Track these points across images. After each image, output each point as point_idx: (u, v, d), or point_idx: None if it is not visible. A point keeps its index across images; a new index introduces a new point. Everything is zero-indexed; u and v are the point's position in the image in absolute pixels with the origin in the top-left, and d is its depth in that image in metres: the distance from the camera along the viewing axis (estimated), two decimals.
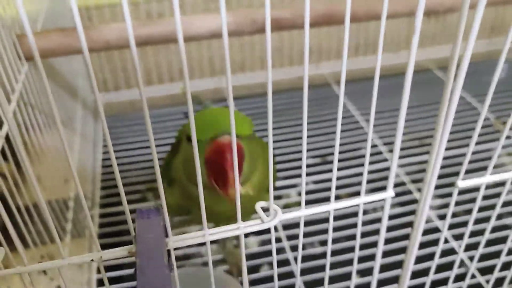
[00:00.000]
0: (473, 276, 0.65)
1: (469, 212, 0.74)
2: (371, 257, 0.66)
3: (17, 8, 0.24)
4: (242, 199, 0.46)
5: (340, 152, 0.88)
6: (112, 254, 0.32)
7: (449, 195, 0.78)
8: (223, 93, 1.07)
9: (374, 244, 0.68)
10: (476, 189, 0.76)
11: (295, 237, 0.72)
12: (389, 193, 0.36)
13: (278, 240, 0.72)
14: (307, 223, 0.73)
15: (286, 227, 0.74)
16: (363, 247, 0.68)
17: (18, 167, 0.56)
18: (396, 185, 0.81)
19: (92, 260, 0.32)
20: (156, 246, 0.32)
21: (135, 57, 0.24)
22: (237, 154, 0.30)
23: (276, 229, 0.73)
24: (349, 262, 0.67)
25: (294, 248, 0.70)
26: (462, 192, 0.77)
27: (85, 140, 0.88)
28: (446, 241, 0.70)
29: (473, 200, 0.74)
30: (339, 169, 0.84)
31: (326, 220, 0.73)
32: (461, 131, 0.90)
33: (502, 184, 0.41)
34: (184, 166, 0.50)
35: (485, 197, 0.72)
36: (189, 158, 0.45)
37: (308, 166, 0.86)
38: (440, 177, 0.79)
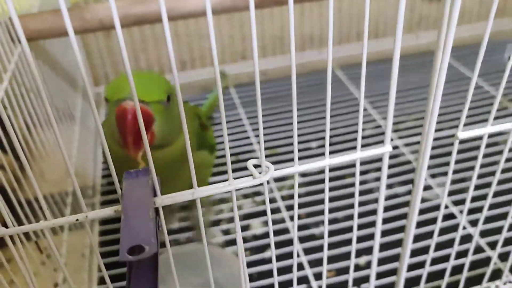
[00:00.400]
0: (479, 250, 0.64)
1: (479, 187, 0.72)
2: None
3: None
4: (169, 161, 0.49)
5: (342, 134, 0.87)
6: (97, 214, 0.31)
7: (457, 172, 0.76)
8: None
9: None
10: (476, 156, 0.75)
11: (300, 225, 0.70)
12: (387, 147, 0.35)
13: (282, 220, 0.70)
14: (311, 203, 0.72)
15: (289, 208, 0.72)
16: (369, 225, 0.67)
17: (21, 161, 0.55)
18: (401, 164, 0.79)
19: (77, 220, 0.31)
20: (142, 202, 0.30)
21: (119, 35, 0.24)
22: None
23: (279, 210, 0.72)
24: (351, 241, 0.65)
25: (299, 228, 0.69)
26: (468, 168, 0.75)
27: (86, 130, 0.88)
28: (452, 217, 0.69)
29: (486, 186, 0.73)
30: (342, 150, 0.82)
31: (331, 198, 0.72)
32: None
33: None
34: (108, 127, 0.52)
35: (487, 174, 0.71)
36: (109, 117, 0.48)
37: (311, 148, 0.84)
38: (442, 155, 0.78)
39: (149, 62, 1.06)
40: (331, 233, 0.67)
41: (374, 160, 0.80)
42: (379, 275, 0.61)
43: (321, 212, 0.71)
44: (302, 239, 0.68)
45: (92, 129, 0.92)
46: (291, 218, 0.70)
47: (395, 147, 0.83)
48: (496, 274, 0.59)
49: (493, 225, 0.66)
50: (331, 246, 0.65)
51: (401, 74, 1.01)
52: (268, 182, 0.33)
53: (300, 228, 0.69)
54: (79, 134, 0.82)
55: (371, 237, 0.65)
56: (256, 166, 0.33)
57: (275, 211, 0.72)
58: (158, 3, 0.57)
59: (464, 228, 0.67)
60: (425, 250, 0.62)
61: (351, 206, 0.71)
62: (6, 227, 0.31)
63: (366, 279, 0.61)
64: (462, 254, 0.57)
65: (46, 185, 0.62)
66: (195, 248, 0.58)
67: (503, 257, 0.61)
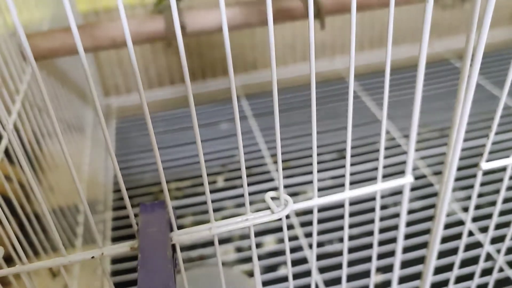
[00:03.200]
0: (500, 270, 0.62)
1: (493, 204, 0.70)
2: (392, 253, 0.63)
3: (13, 12, 0.23)
4: None
5: (356, 147, 0.85)
6: (113, 250, 0.31)
7: (472, 186, 0.75)
8: (237, 91, 1.06)
9: (394, 240, 0.65)
10: (499, 180, 0.73)
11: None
12: (408, 178, 0.34)
13: (295, 238, 0.69)
14: (325, 220, 0.71)
15: (303, 224, 0.71)
16: (383, 243, 0.66)
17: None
18: (416, 178, 0.78)
19: (93, 257, 0.30)
20: (159, 240, 0.30)
21: (132, 54, 0.23)
22: None
23: (292, 226, 0.71)
24: (370, 259, 0.64)
25: (312, 246, 0.68)
26: (485, 183, 0.74)
27: (97, 144, 0.87)
28: (471, 234, 0.67)
29: (497, 191, 0.71)
30: (356, 163, 0.81)
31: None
32: (480, 121, 0.87)
33: None
34: None
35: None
36: None
37: (324, 161, 0.83)
38: (461, 168, 0.76)
39: (159, 72, 1.06)
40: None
41: (393, 173, 0.79)
42: None
43: (337, 229, 0.70)
44: (316, 257, 0.67)
45: (103, 142, 0.91)
46: (306, 235, 0.69)
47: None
48: None
49: None
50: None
51: (413, 84, 1.01)
52: (287, 217, 0.32)
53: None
54: (90, 147, 0.81)
55: (387, 254, 0.64)
56: (274, 198, 0.33)
57: (288, 227, 0.71)
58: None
59: (489, 256, 0.65)
60: (447, 268, 0.61)
61: (368, 222, 0.70)
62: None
63: None
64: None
65: (57, 198, 0.62)
66: (208, 271, 0.57)
67: None
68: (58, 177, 0.63)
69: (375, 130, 0.90)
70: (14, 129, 0.50)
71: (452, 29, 1.13)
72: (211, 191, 0.78)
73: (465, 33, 0.30)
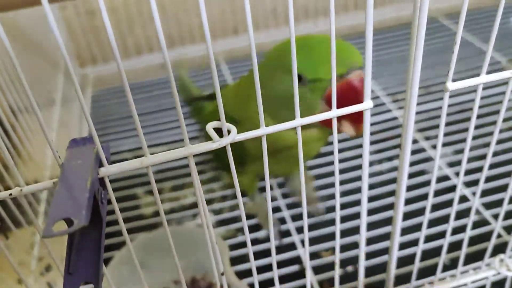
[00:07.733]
0: (478, 212, 0.60)
1: (482, 158, 0.67)
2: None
3: None
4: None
5: None
6: (34, 187, 0.28)
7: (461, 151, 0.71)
8: (217, 57, 1.03)
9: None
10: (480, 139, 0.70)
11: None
12: (367, 103, 0.31)
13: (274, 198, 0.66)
14: None
15: (280, 185, 0.68)
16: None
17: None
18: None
19: (10, 194, 0.27)
20: (81, 172, 0.26)
21: None
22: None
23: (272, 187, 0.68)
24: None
25: (293, 206, 0.64)
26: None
27: (70, 115, 0.84)
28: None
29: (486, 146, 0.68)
30: None
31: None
32: (470, 76, 0.83)
33: None
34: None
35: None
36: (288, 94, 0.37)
37: None
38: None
39: (137, 41, 1.02)
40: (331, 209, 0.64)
41: (380, 130, 0.75)
42: (372, 255, 0.57)
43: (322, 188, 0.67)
44: (294, 218, 0.63)
45: (77, 113, 0.88)
46: (283, 196, 0.66)
47: (394, 118, 0.78)
48: (500, 249, 0.55)
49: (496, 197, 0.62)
50: (328, 223, 0.62)
51: (405, 42, 0.97)
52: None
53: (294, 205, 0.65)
54: (60, 117, 0.77)
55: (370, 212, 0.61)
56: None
57: None
58: None
59: (465, 199, 0.62)
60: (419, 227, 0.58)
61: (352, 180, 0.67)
62: None
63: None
64: (462, 228, 0.53)
65: (33, 173, 0.60)
66: (174, 230, 0.54)
67: (508, 229, 0.57)
68: (38, 150, 0.61)
69: None
70: None
71: None
72: None
73: None
